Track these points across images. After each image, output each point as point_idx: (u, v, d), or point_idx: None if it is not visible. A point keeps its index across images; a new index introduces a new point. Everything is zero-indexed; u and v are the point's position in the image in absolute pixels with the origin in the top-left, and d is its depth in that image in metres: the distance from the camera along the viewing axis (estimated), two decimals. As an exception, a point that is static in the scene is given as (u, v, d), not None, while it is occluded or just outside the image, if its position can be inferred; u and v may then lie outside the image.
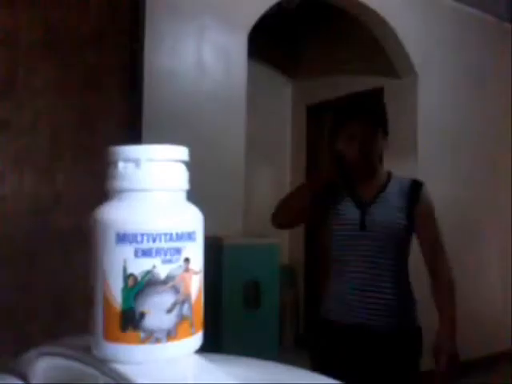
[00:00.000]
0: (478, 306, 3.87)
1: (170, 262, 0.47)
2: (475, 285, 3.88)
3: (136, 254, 0.46)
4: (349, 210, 1.71)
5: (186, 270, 0.48)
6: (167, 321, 0.47)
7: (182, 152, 0.52)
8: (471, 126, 3.93)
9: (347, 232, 1.71)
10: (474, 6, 3.88)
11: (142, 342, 0.46)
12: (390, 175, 1.79)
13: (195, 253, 0.49)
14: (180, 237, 0.48)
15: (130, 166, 0.48)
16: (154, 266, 0.46)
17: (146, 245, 0.46)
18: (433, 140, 3.71)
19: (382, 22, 3.47)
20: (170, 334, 0.47)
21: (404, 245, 1.72)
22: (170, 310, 0.47)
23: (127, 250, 0.46)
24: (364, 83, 4.00)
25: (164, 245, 0.47)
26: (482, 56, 4.03)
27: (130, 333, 0.46)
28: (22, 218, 2.05)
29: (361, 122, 1.71)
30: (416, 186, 1.74)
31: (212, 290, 2.45)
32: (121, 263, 0.46)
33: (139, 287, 0.46)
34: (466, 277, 3.41)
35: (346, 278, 1.69)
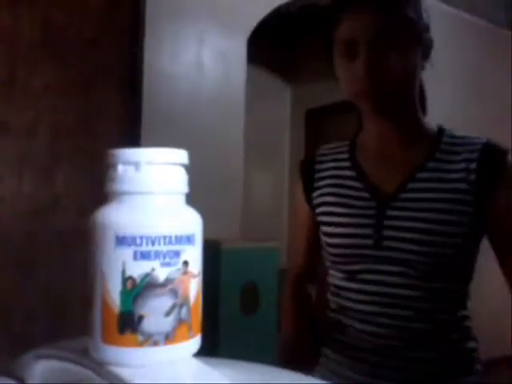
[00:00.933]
0: (478, 305, 3.86)
1: (168, 264, 0.47)
2: (474, 284, 3.87)
3: (135, 257, 0.46)
4: (352, 209, 0.97)
5: (185, 273, 0.48)
6: (165, 324, 0.47)
7: (181, 155, 0.52)
8: (470, 132, 3.94)
9: (348, 251, 0.97)
10: (471, 13, 3.91)
11: (140, 344, 0.46)
12: (441, 133, 0.99)
13: (194, 256, 0.49)
14: (179, 240, 0.48)
15: (130, 168, 0.48)
16: (153, 269, 0.46)
17: (145, 247, 0.46)
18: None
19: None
20: (169, 337, 0.47)
21: (463, 269, 0.98)
22: (168, 313, 0.47)
23: (126, 253, 0.46)
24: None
25: (163, 248, 0.47)
26: (481, 61, 4.05)
27: (128, 336, 0.46)
28: (22, 220, 2.05)
29: (375, 9, 0.90)
30: (493, 155, 0.94)
31: (210, 294, 2.45)
32: (120, 266, 0.46)
33: (138, 290, 0.46)
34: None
35: (342, 340, 0.99)
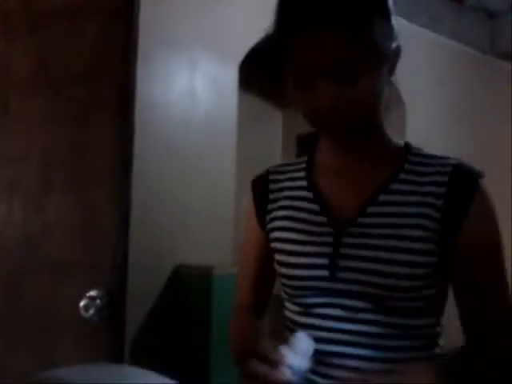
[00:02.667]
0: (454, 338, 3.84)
1: None
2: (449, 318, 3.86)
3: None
4: (308, 235, 0.88)
5: None
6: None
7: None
8: (460, 155, 3.98)
9: (303, 283, 0.87)
10: (456, 39, 4.02)
11: None
12: (407, 152, 0.91)
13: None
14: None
15: None
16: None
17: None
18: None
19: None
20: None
21: (433, 302, 0.86)
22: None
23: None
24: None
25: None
26: (468, 87, 4.12)
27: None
28: (10, 248, 2.03)
29: (334, 34, 0.77)
30: (465, 179, 0.84)
31: (201, 323, 2.42)
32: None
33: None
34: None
35: None
